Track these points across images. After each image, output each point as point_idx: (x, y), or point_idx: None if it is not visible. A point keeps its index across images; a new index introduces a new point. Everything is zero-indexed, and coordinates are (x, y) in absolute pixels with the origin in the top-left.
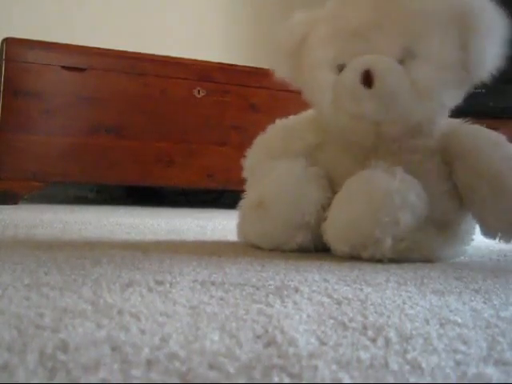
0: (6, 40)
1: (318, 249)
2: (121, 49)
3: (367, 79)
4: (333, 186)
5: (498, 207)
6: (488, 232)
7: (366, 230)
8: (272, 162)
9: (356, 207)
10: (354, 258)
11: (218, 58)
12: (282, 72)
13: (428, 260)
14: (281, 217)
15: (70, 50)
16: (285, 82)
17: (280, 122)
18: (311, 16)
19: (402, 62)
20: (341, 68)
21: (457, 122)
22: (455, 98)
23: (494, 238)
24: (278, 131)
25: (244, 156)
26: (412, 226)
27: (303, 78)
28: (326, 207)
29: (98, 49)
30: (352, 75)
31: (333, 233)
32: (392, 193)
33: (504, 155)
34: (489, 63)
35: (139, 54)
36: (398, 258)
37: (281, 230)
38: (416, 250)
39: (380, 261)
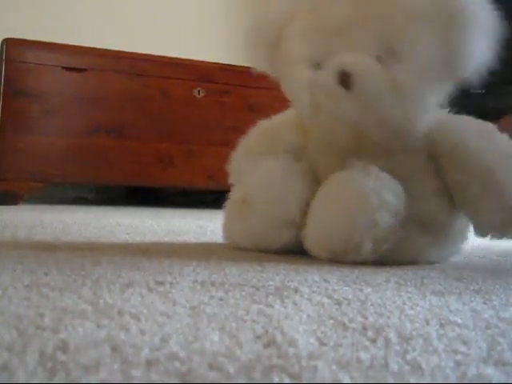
0: (6, 40)
1: (304, 249)
2: (121, 49)
3: (345, 80)
4: (319, 183)
5: (490, 204)
6: (480, 230)
7: (344, 235)
8: (256, 160)
9: (332, 211)
10: (337, 262)
11: (219, 58)
12: (259, 65)
13: (414, 261)
14: (264, 214)
15: (70, 51)
16: (264, 74)
17: (262, 124)
18: (287, 7)
19: (381, 60)
20: (317, 66)
21: (443, 116)
22: (439, 96)
23: (486, 236)
24: (261, 133)
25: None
26: (392, 226)
27: (280, 72)
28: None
29: (99, 49)
30: (329, 75)
31: (312, 239)
32: (367, 193)
33: (493, 147)
34: (474, 59)
35: (139, 54)
36: (381, 260)
37: (264, 227)
38: (400, 251)
39: (365, 263)
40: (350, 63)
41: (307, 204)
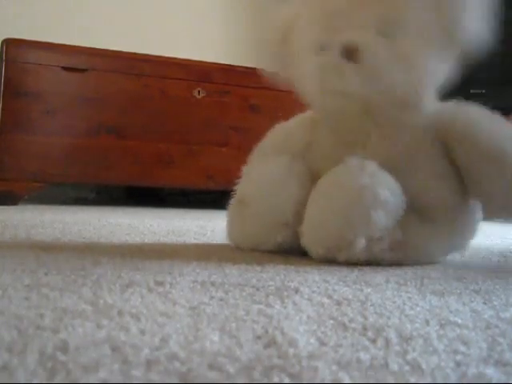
0: (6, 41)
1: (299, 249)
2: (121, 49)
3: (350, 54)
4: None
5: (504, 185)
6: (492, 211)
7: (338, 232)
8: (260, 159)
9: (327, 207)
10: (330, 261)
11: (219, 58)
12: (270, 66)
13: (416, 259)
14: (260, 214)
15: (70, 51)
16: (274, 79)
17: (277, 126)
18: (294, 4)
19: (383, 34)
20: (323, 48)
21: (450, 103)
22: (441, 71)
23: (499, 217)
24: (275, 135)
25: (244, 157)
26: (387, 225)
27: (292, 69)
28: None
29: (99, 49)
30: (334, 52)
31: (307, 235)
32: (361, 190)
33: (504, 130)
34: (472, 30)
35: (139, 54)
36: (375, 261)
37: (260, 228)
38: (398, 249)
39: (358, 264)
40: (354, 39)
41: (303, 205)
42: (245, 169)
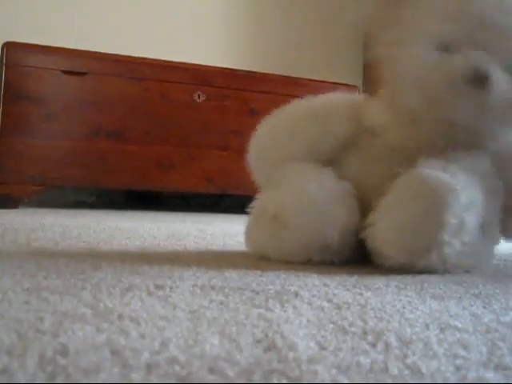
0: (7, 44)
1: (335, 264)
2: (121, 53)
3: (479, 80)
4: (362, 200)
5: None
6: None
7: (429, 233)
8: (294, 166)
9: (415, 208)
10: (404, 269)
11: (219, 62)
12: (370, 24)
13: (473, 268)
14: (298, 237)
15: (70, 55)
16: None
17: (307, 102)
18: None
19: (508, 70)
20: (444, 47)
21: None
22: None
23: None
24: (308, 114)
25: (244, 161)
26: (475, 230)
27: (390, 37)
28: (351, 232)
29: (98, 53)
30: (464, 68)
31: (385, 239)
32: (458, 191)
33: None
34: None
35: (139, 58)
36: (453, 267)
37: (296, 249)
38: (468, 256)
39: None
40: (488, 65)
41: (347, 231)
42: (271, 175)
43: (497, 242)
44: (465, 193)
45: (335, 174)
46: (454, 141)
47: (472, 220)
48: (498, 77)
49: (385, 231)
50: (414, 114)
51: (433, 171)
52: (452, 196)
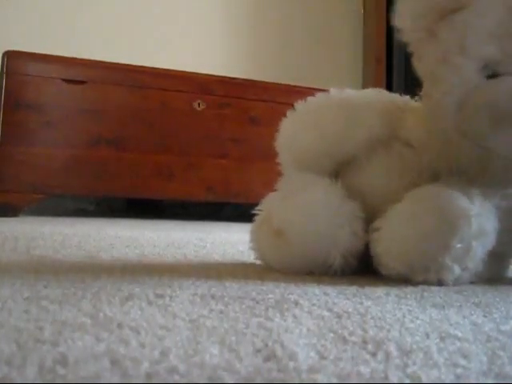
0: (7, 53)
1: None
2: (121, 62)
3: None
4: (370, 214)
5: None
6: None
7: (432, 254)
8: (305, 178)
9: (423, 225)
10: (400, 279)
11: (218, 70)
12: (413, 32)
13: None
14: (302, 255)
15: (70, 63)
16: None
17: (337, 95)
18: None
19: None
20: (491, 74)
21: None
22: None
23: None
24: (338, 109)
25: (244, 169)
26: (481, 258)
27: (430, 50)
28: (355, 255)
29: (99, 62)
30: (508, 95)
31: (387, 247)
32: (471, 218)
33: None
34: None
35: (139, 66)
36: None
37: (299, 266)
38: (472, 279)
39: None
40: None
41: (350, 254)
42: (280, 183)
43: (505, 266)
44: (478, 220)
45: (348, 181)
46: (489, 170)
47: (480, 248)
48: None
49: (388, 239)
50: (449, 135)
51: (451, 191)
52: (463, 222)
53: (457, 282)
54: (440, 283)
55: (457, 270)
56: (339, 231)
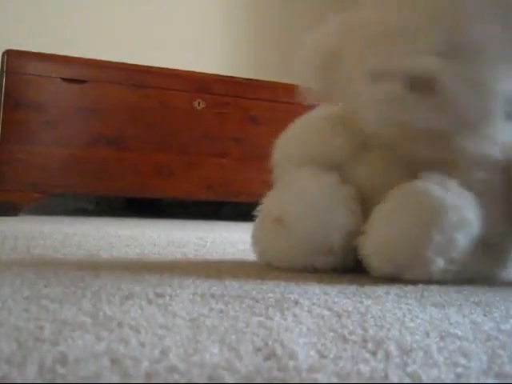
0: (7, 52)
1: (339, 270)
2: (121, 61)
3: (417, 86)
4: (367, 207)
5: None
6: None
7: (414, 249)
8: (298, 170)
9: (404, 222)
10: (393, 279)
11: (218, 69)
12: (313, 85)
13: (471, 281)
14: (301, 239)
15: (70, 62)
16: (311, 97)
17: (305, 125)
18: (343, 24)
19: (450, 58)
20: (381, 75)
21: None
22: (507, 91)
23: None
24: (308, 139)
25: (244, 168)
26: (466, 248)
27: (341, 92)
28: (354, 235)
29: (99, 61)
30: (398, 83)
31: (373, 249)
32: (448, 208)
33: None
34: None
35: (139, 66)
36: (442, 281)
37: (299, 252)
38: (462, 272)
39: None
40: (420, 67)
41: (349, 234)
42: (276, 180)
43: (505, 259)
44: (456, 209)
45: (341, 178)
46: (441, 154)
47: (463, 238)
48: (437, 71)
49: (372, 242)
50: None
51: (428, 185)
52: (439, 211)
53: (447, 275)
54: (431, 280)
55: (441, 262)
56: (336, 212)
